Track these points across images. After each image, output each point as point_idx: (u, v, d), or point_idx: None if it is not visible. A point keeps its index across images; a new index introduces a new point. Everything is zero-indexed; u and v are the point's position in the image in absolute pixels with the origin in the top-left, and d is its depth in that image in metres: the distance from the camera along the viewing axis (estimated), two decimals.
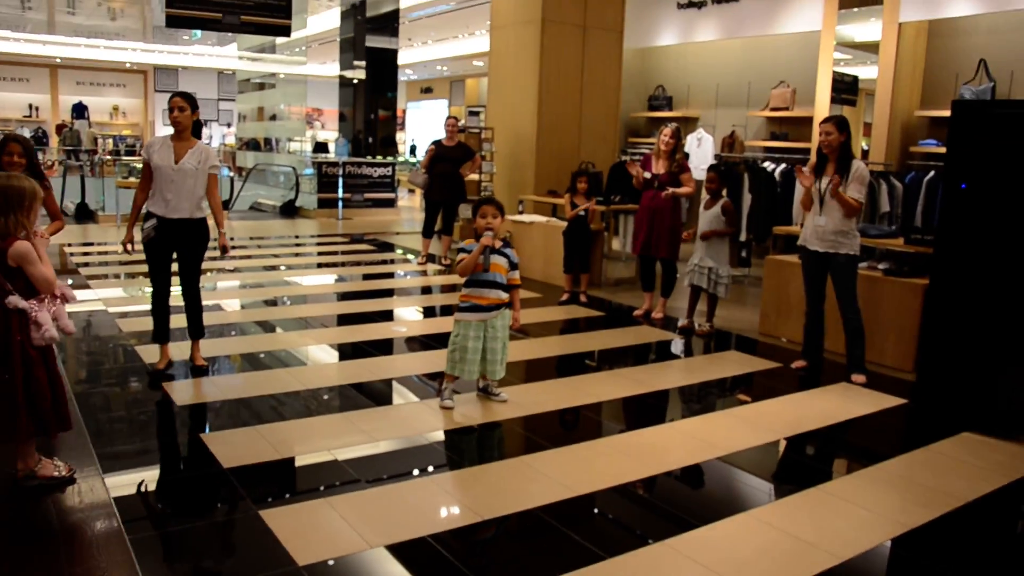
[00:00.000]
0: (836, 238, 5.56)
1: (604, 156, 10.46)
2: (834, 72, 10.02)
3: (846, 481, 4.09)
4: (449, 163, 9.96)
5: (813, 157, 5.87)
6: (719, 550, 3.24)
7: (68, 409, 3.64)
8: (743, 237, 9.26)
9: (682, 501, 3.84)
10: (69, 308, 3.74)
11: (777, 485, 4.09)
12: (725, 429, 4.71)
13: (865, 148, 10.96)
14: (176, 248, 5.21)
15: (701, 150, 11.45)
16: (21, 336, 3.40)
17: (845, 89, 10.46)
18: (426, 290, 8.94)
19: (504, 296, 4.78)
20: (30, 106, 24.25)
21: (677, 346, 6.68)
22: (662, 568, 3.11)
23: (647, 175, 7.17)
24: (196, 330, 5.45)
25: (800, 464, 4.46)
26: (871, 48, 9.98)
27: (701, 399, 5.48)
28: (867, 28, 10.35)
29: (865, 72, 10.87)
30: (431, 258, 10.28)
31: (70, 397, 4.17)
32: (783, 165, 9.42)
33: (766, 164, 9.56)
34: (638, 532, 3.44)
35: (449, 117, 10.31)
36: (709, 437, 4.54)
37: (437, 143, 10.20)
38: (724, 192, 7.04)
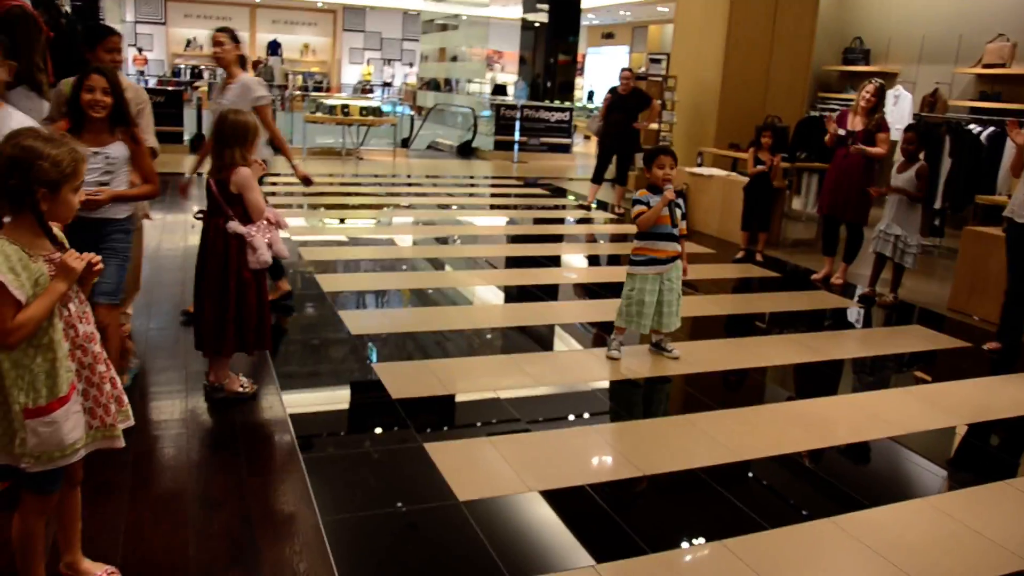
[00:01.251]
0: None
1: (791, 110, 9.94)
2: None
3: None
4: (623, 112, 9.85)
5: None
6: (888, 534, 3.07)
7: (269, 331, 3.89)
8: (938, 204, 8.62)
9: (851, 478, 3.65)
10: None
11: (957, 473, 3.83)
12: (902, 407, 4.44)
13: None
14: None
15: (898, 108, 10.69)
16: (237, 260, 3.65)
17: None
18: (597, 237, 8.89)
19: (678, 248, 4.68)
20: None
21: (856, 315, 6.34)
22: (826, 546, 2.98)
23: (841, 132, 6.77)
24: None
25: (985, 454, 4.14)
26: None
27: (878, 373, 5.18)
28: None
29: None
30: (602, 206, 10.17)
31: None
32: (991, 128, 8.64)
33: (971, 126, 8.80)
34: (803, 505, 3.31)
35: (624, 70, 10.16)
36: (884, 414, 4.29)
37: (613, 91, 10.09)
38: (921, 156, 6.53)
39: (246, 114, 3.80)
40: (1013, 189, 5.35)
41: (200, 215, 3.78)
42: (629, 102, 9.86)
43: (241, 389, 3.90)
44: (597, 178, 10.23)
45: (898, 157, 6.62)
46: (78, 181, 2.19)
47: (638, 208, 4.65)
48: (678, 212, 4.66)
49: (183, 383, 4.02)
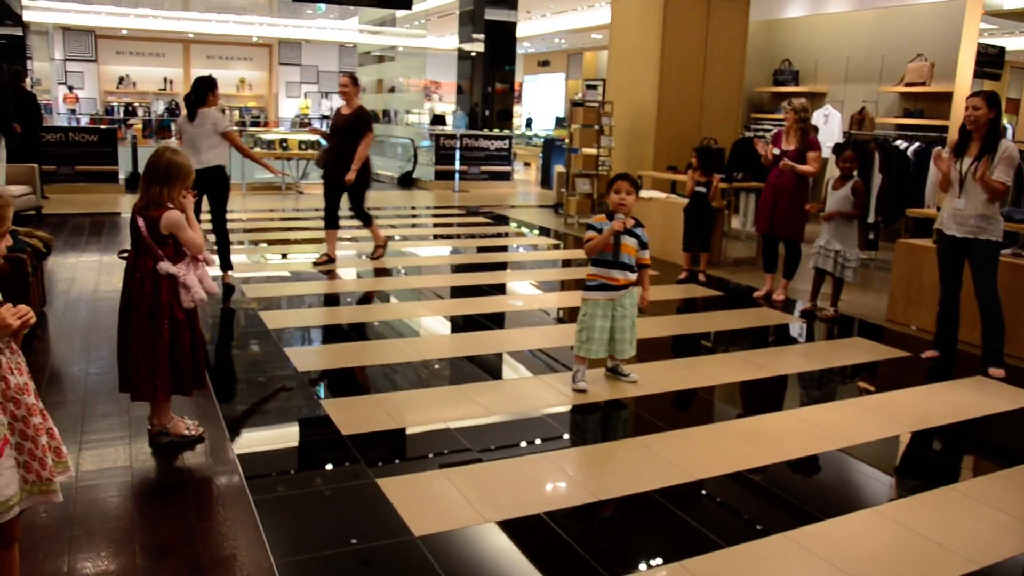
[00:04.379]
0: (977, 223, 5.21)
1: (727, 132, 10.16)
2: (979, 44, 9.40)
3: (981, 482, 3.85)
4: (344, 138, 7.79)
5: (954, 135, 5.52)
6: (843, 546, 3.11)
7: (204, 370, 3.82)
8: (871, 219, 8.85)
9: (803, 492, 3.69)
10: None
11: (904, 481, 3.90)
12: (848, 419, 4.52)
13: (1009, 126, 10.28)
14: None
15: (828, 127, 11.00)
16: (169, 300, 3.57)
17: (989, 62, 9.83)
18: (541, 263, 8.92)
19: (633, 276, 4.68)
20: (165, 79, 25.27)
21: (798, 330, 6.45)
22: (783, 561, 3.00)
23: (776, 151, 6.92)
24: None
25: (929, 460, 4.23)
26: (1022, 16, 9.32)
27: (823, 386, 5.27)
28: None
29: (1013, 43, 10.16)
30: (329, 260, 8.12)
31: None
32: (916, 143, 8.94)
33: (898, 142, 9.09)
34: (758, 521, 3.33)
35: (343, 76, 7.96)
36: (831, 426, 4.36)
37: (337, 112, 8.14)
38: (855, 173, 6.70)
39: (182, 155, 3.71)
40: (941, 202, 5.52)
41: (124, 255, 3.67)
42: (349, 125, 7.77)
43: (187, 432, 3.80)
44: (329, 221, 8.03)
45: (833, 174, 6.78)
46: (3, 227, 2.13)
47: (589, 233, 4.64)
48: (632, 241, 4.60)
49: (126, 429, 3.91)
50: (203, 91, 6.73)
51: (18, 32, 16.37)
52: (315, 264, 7.91)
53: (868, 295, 7.55)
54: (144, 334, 3.59)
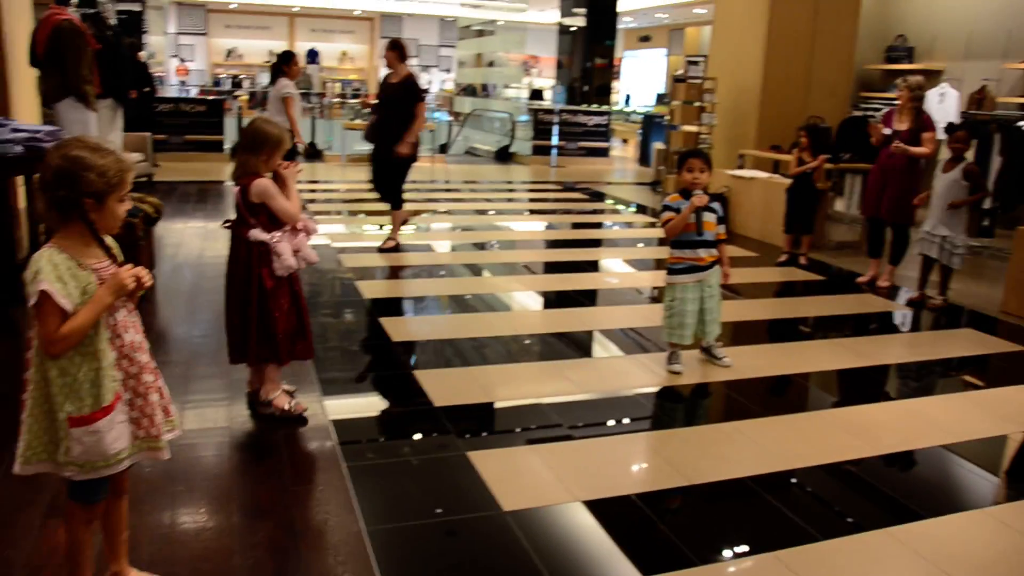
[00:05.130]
0: None
1: (834, 110, 9.77)
2: None
3: None
4: (390, 110, 7.24)
5: None
6: (948, 547, 2.97)
7: (308, 341, 3.82)
8: (987, 204, 8.42)
9: (904, 487, 3.54)
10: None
11: (1014, 483, 3.70)
12: (956, 413, 4.31)
13: None
14: None
15: (943, 107, 10.47)
16: (260, 267, 3.61)
17: None
18: (636, 241, 8.81)
19: (716, 253, 4.56)
20: (270, 52, 25.90)
21: (903, 318, 6.20)
22: (882, 558, 2.89)
23: (887, 131, 6.63)
24: None
25: None
26: None
27: (928, 378, 5.04)
28: None
29: None
30: None
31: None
32: None
33: (1021, 124, 8.59)
34: (854, 515, 3.21)
35: (392, 41, 7.24)
36: (937, 420, 4.17)
37: (384, 81, 7.42)
38: (968, 155, 6.34)
39: (273, 124, 3.69)
40: None
41: (228, 224, 3.73)
42: (397, 95, 7.14)
43: (287, 407, 3.78)
44: (390, 201, 7.49)
45: (945, 155, 6.47)
46: (124, 191, 2.19)
47: (667, 214, 4.50)
48: (711, 217, 4.47)
49: (227, 391, 4.04)
50: (279, 63, 8.33)
51: (137, 8, 17.00)
52: (380, 250, 7.30)
53: (981, 285, 7.19)
54: (237, 300, 3.68)
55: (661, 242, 8.50)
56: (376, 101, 7.86)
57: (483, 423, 3.93)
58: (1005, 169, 8.30)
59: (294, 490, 3.16)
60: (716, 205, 4.54)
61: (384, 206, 7.64)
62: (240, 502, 3.05)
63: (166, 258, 6.71)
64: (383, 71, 7.56)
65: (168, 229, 7.77)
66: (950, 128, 6.50)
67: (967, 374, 5.16)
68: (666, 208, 4.54)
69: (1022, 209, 8.42)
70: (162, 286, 5.89)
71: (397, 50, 7.12)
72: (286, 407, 3.79)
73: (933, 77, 11.23)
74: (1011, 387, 4.76)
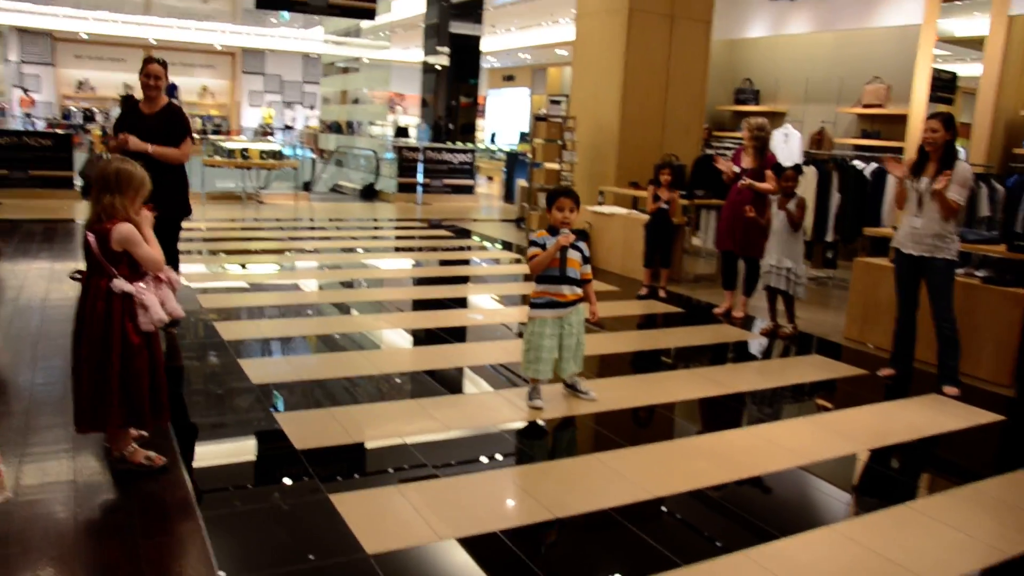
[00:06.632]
0: (933, 241, 5.28)
1: (688, 149, 10.23)
2: (932, 68, 9.59)
3: (936, 500, 3.88)
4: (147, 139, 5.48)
5: (912, 155, 5.60)
6: (801, 565, 3.10)
7: (165, 399, 3.52)
8: (830, 237, 8.96)
9: (761, 510, 3.68)
10: None
11: (861, 499, 3.91)
12: (806, 436, 4.53)
13: (962, 150, 10.48)
14: None
15: (788, 146, 11.12)
16: (124, 322, 3.32)
17: (943, 87, 10.00)
18: (502, 278, 8.89)
19: (580, 291, 4.63)
20: (125, 85, 24.93)
21: (757, 347, 6.49)
22: None
23: (736, 169, 6.98)
24: None
25: (885, 478, 4.25)
26: (972, 44, 9.54)
27: (781, 403, 5.29)
28: (970, 23, 9.90)
29: (964, 69, 10.40)
30: None
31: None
32: (874, 164, 9.07)
33: (856, 163, 9.22)
34: (716, 539, 3.31)
35: (148, 63, 5.76)
36: (789, 444, 4.37)
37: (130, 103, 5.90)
38: (798, 192, 6.70)
39: (133, 163, 3.44)
40: (898, 221, 5.58)
41: (78, 276, 3.40)
42: (152, 124, 5.54)
43: (145, 462, 3.54)
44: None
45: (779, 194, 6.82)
46: None
47: (533, 250, 4.55)
48: (576, 255, 4.55)
49: (71, 442, 3.78)
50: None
51: None
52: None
53: (827, 313, 7.62)
54: (93, 359, 3.33)
55: (527, 278, 8.62)
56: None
57: (346, 465, 3.84)
58: (843, 205, 8.86)
59: (146, 544, 2.98)
60: (582, 244, 4.61)
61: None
62: (84, 560, 2.85)
63: (7, 301, 6.29)
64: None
65: (9, 271, 7.29)
66: (776, 169, 6.85)
67: (816, 398, 5.44)
68: (532, 244, 4.59)
69: (860, 241, 9.01)
70: (2, 330, 5.51)
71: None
72: (143, 461, 3.54)
73: (778, 118, 11.94)
74: (855, 408, 5.05)
